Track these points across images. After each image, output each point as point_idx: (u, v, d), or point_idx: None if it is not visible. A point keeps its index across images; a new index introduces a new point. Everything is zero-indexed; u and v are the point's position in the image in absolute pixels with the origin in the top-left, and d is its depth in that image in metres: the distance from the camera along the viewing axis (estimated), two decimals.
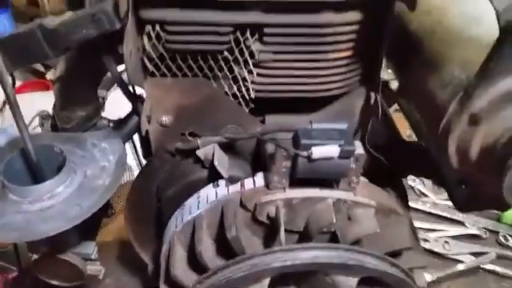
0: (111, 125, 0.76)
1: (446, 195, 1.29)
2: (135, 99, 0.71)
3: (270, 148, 0.66)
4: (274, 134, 0.67)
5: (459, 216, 1.26)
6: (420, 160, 0.75)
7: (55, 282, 0.73)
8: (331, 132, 0.59)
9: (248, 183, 0.67)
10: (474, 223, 1.25)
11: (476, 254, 1.16)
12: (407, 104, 0.73)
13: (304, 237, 0.66)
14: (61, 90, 0.72)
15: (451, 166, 0.58)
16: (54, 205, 0.58)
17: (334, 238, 0.65)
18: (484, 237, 1.22)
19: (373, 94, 0.67)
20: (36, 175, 0.62)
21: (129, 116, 0.72)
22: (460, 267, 1.12)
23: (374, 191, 0.69)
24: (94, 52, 0.64)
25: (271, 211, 0.63)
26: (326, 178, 0.63)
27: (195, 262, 0.65)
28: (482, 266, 1.14)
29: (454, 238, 1.21)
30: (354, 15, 0.60)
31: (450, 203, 1.28)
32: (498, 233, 1.22)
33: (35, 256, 0.68)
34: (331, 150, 0.57)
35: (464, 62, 0.53)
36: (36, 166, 0.61)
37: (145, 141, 0.73)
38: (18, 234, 0.56)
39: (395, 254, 0.68)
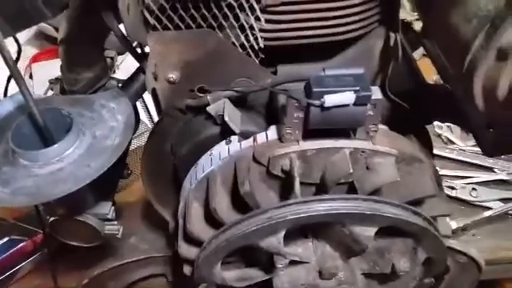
0: (120, 85, 0.74)
1: (473, 141, 1.25)
2: (141, 56, 0.68)
3: (282, 99, 0.63)
4: (287, 85, 0.64)
5: (488, 162, 1.21)
6: (445, 104, 0.71)
7: (74, 243, 0.74)
8: (345, 78, 0.55)
9: (260, 137, 0.64)
10: (503, 168, 1.20)
11: (505, 200, 1.12)
12: (431, 45, 0.68)
13: (321, 189, 0.64)
14: (65, 52, 0.70)
15: (477, 108, 0.53)
16: (63, 167, 0.58)
17: (351, 189, 0.62)
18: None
19: (392, 35, 0.62)
20: (45, 139, 0.61)
21: (136, 74, 0.70)
22: (487, 214, 1.09)
23: (395, 139, 0.65)
24: (94, 9, 0.61)
25: (285, 164, 0.61)
26: (341, 128, 0.60)
27: (211, 218, 0.65)
28: (510, 212, 1.10)
29: (482, 184, 1.16)
30: None
31: (478, 149, 1.24)
32: None
33: (52, 218, 0.69)
34: (345, 97, 0.54)
35: None
36: (44, 130, 0.60)
37: (155, 99, 0.71)
38: (29, 197, 0.56)
39: (418, 203, 0.66)
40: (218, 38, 0.63)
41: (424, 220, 0.62)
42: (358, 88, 0.54)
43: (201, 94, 0.68)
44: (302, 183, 0.60)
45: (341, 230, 0.61)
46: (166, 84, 0.67)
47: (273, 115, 0.70)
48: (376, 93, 0.56)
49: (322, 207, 0.57)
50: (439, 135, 1.32)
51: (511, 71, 0.47)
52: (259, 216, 0.59)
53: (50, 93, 1.20)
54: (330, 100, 0.53)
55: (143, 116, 1.38)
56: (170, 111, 0.71)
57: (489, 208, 1.12)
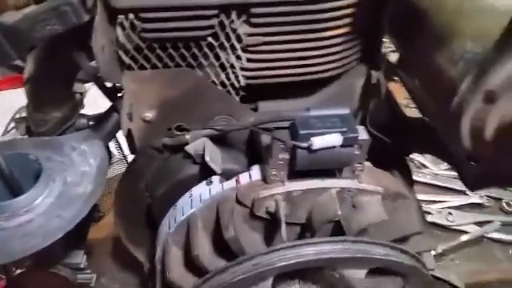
0: (91, 123, 0.70)
1: (446, 165, 1.27)
2: (114, 95, 0.65)
3: (265, 139, 0.61)
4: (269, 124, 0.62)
5: (460, 185, 1.23)
6: (425, 137, 0.71)
7: None
8: (331, 119, 0.54)
9: (244, 178, 0.62)
10: (475, 192, 1.22)
11: (480, 224, 1.14)
12: (410, 80, 0.68)
13: (306, 228, 0.62)
14: (32, 92, 0.66)
15: (463, 147, 0.53)
16: (33, 218, 0.53)
17: (338, 228, 0.61)
18: (487, 205, 1.19)
19: (374, 73, 0.62)
20: (11, 187, 0.57)
21: (108, 114, 0.66)
22: (464, 238, 1.10)
23: (380, 176, 0.65)
24: (64, 48, 0.58)
25: (270, 206, 0.59)
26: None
27: (192, 264, 0.61)
28: (486, 235, 1.12)
29: (457, 208, 1.18)
30: None
31: (450, 173, 1.26)
32: (501, 200, 1.19)
33: (19, 270, 0.64)
34: (333, 139, 0.52)
35: (478, 34, 0.47)
36: (10, 178, 0.56)
37: (129, 138, 0.68)
38: None
39: (403, 239, 0.65)
40: (197, 76, 0.61)
41: (412, 258, 0.60)
42: (344, 129, 0.53)
43: (179, 133, 0.66)
44: (287, 223, 0.58)
45: (331, 274, 0.59)
46: (142, 123, 0.64)
47: (254, 152, 0.68)
48: (362, 133, 0.55)
49: (310, 251, 0.55)
50: (412, 160, 1.33)
51: (499, 113, 0.47)
52: (245, 263, 0.56)
53: (13, 124, 1.14)
54: (318, 143, 0.52)
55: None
56: (145, 150, 0.68)
57: (465, 232, 1.13)
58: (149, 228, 0.78)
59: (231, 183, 0.62)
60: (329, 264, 0.57)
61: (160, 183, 0.70)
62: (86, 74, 0.60)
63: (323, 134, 0.53)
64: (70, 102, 0.69)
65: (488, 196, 1.21)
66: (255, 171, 0.62)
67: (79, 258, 0.64)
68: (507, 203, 1.18)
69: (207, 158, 0.62)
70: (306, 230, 0.62)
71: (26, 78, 0.64)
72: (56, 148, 0.62)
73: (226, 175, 0.64)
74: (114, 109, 0.65)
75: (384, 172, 0.66)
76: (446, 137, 0.60)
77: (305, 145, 0.52)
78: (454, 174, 1.26)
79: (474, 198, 1.21)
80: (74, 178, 0.58)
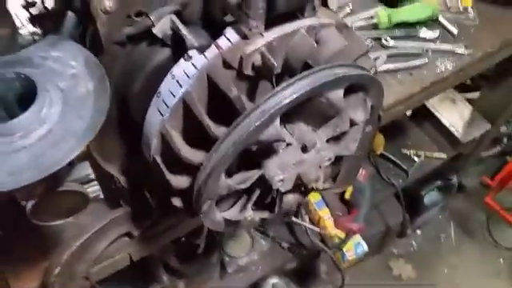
0: (37, 38, 0.64)
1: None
2: None
3: None
4: None
5: None
6: None
7: (57, 222, 0.66)
8: None
9: (223, 42, 0.65)
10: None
11: None
12: None
13: (281, 75, 0.69)
14: None
15: None
16: (51, 128, 0.50)
17: (306, 68, 0.69)
18: (370, 46, 1.40)
19: None
20: (6, 109, 0.52)
21: (59, 14, 0.61)
22: None
23: (325, 11, 0.74)
24: None
25: (256, 60, 0.64)
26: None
27: (197, 141, 0.65)
28: (378, 70, 1.33)
29: None
30: None
31: None
32: (380, 39, 1.41)
33: (29, 205, 0.60)
34: None
35: None
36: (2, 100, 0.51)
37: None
38: (33, 171, 0.48)
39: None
40: None
41: (369, 72, 0.73)
42: None
43: (139, 19, 0.65)
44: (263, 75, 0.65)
45: (318, 101, 0.68)
46: (103, 16, 0.61)
47: (211, 25, 0.71)
48: None
49: (306, 83, 0.63)
50: None
51: None
52: (254, 113, 0.62)
53: None
54: None
55: None
56: (109, 48, 0.66)
57: None
58: (120, 139, 0.78)
59: (212, 51, 0.65)
60: (319, 90, 0.67)
61: (132, 79, 0.69)
62: None
63: None
64: (7, 16, 0.62)
65: (369, 38, 1.41)
66: (230, 33, 0.65)
67: (87, 169, 0.63)
68: (385, 39, 1.40)
69: (184, 32, 0.63)
70: (281, 77, 0.69)
71: None
72: (26, 63, 0.56)
73: (202, 49, 0.66)
74: (65, 7, 0.60)
75: (324, 7, 0.75)
76: None
77: None
78: None
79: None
80: (67, 83, 0.55)
